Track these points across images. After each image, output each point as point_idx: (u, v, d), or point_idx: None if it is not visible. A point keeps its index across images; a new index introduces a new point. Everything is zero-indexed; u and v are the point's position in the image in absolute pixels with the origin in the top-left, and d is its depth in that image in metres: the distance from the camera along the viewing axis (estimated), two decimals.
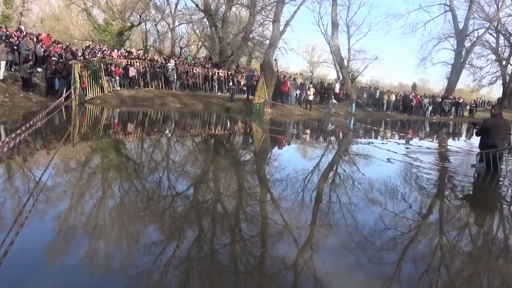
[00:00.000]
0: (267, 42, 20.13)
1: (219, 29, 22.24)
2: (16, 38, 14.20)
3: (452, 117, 25.32)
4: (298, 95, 19.67)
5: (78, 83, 12.98)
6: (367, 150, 8.51)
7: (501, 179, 5.98)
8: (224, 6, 22.32)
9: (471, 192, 5.32)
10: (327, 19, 25.65)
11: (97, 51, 17.80)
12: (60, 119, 9.81)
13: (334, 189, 4.77)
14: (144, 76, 17.47)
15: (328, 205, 3.97)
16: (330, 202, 4.11)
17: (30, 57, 13.78)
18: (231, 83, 18.62)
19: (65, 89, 12.97)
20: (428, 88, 41.27)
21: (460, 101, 26.25)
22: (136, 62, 17.48)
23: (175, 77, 18.20)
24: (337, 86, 22.77)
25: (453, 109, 25.72)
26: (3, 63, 12.38)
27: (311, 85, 20.53)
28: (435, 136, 14.58)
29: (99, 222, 3.10)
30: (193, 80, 19.04)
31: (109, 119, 11.42)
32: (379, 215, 3.71)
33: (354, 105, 21.76)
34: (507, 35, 31.26)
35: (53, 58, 13.56)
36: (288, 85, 19.06)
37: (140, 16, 25.83)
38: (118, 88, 16.05)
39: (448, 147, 10.42)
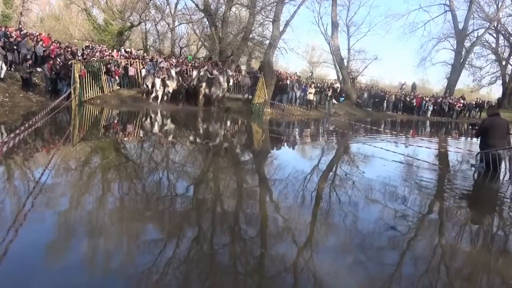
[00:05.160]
0: (267, 42, 20.13)
1: (219, 29, 22.22)
2: (15, 38, 14.19)
3: (453, 117, 25.28)
4: (299, 95, 19.59)
5: (78, 83, 12.98)
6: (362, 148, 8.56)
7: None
8: (224, 6, 22.30)
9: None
10: (327, 19, 25.67)
11: (96, 51, 17.77)
12: (60, 119, 9.81)
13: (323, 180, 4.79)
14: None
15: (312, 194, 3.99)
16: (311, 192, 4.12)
17: (29, 57, 13.78)
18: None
19: (65, 89, 12.99)
20: (428, 88, 41.20)
21: (462, 102, 26.17)
22: (136, 62, 17.46)
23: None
24: (337, 86, 22.78)
25: (455, 110, 25.61)
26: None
27: (312, 85, 20.53)
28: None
29: (99, 221, 3.11)
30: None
31: (108, 119, 11.42)
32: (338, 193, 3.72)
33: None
34: (507, 35, 31.21)
35: (58, 60, 13.58)
36: (288, 82, 19.07)
37: (140, 16, 25.80)
38: (118, 88, 16.03)
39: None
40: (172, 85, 15.28)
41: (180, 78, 15.88)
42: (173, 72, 15.33)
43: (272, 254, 2.75)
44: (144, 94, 15.35)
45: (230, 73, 17.01)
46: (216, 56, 22.12)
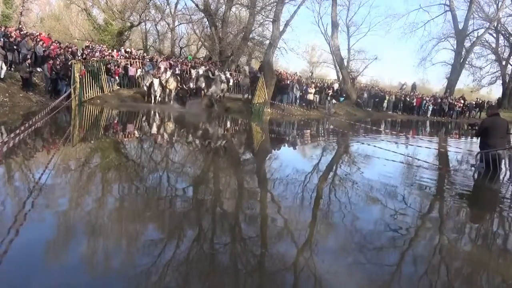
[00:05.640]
0: (267, 42, 20.13)
1: (219, 29, 22.22)
2: (14, 38, 14.19)
3: (454, 117, 25.26)
4: (299, 95, 19.59)
5: (78, 83, 12.98)
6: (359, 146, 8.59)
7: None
8: (224, 6, 22.30)
9: None
10: (327, 19, 25.65)
11: (96, 51, 17.76)
12: (60, 119, 9.82)
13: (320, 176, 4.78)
14: None
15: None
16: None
17: (29, 57, 13.77)
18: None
19: (65, 89, 12.99)
20: (428, 88, 41.13)
21: (462, 102, 26.15)
22: (136, 62, 17.46)
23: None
24: (337, 86, 22.79)
25: (455, 110, 25.57)
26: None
27: (312, 85, 20.54)
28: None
29: (99, 221, 3.11)
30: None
31: (108, 120, 11.42)
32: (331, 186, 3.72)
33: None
34: (507, 35, 31.20)
35: (58, 60, 13.57)
36: (288, 83, 19.07)
37: (140, 16, 25.79)
38: (118, 88, 16.02)
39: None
40: (170, 86, 15.18)
41: (179, 78, 15.82)
42: (168, 74, 15.11)
43: (272, 253, 2.75)
44: (146, 96, 15.24)
45: (227, 76, 16.82)
46: (216, 56, 22.13)
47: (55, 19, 30.65)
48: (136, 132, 9.16)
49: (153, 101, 14.84)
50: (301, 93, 19.61)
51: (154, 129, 9.76)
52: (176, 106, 15.11)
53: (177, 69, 16.56)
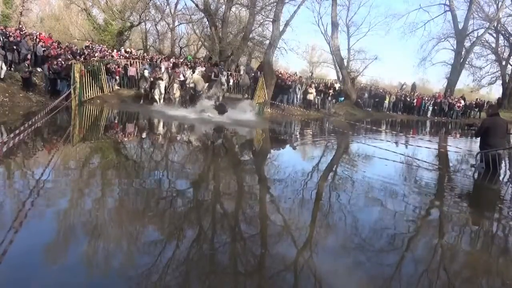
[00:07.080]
0: (267, 42, 20.13)
1: (219, 29, 22.21)
2: (13, 37, 14.17)
3: (454, 117, 25.24)
4: (299, 96, 19.59)
5: (78, 83, 12.97)
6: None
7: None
8: (224, 6, 22.30)
9: None
10: (327, 19, 25.65)
11: (96, 51, 17.75)
12: (60, 119, 9.81)
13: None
14: None
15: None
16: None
17: (29, 57, 13.77)
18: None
19: (65, 89, 12.99)
20: (428, 88, 41.10)
21: (462, 102, 26.13)
22: (136, 62, 17.45)
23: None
24: (337, 86, 22.78)
25: (455, 110, 25.55)
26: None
27: (312, 85, 20.53)
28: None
29: (99, 221, 3.11)
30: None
31: (108, 120, 11.42)
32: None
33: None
34: (507, 35, 31.17)
35: (59, 59, 13.56)
36: (290, 83, 19.07)
37: (140, 16, 25.79)
38: (118, 88, 15.99)
39: None
40: (175, 95, 15.10)
41: (181, 87, 15.74)
42: (175, 86, 14.92)
43: (272, 254, 2.75)
44: (149, 98, 15.12)
45: (224, 79, 16.63)
46: (216, 56, 22.11)
47: (55, 19, 30.61)
48: (134, 132, 9.16)
49: (158, 102, 14.68)
50: (301, 94, 19.60)
51: (152, 130, 9.75)
52: (175, 106, 15.01)
53: (181, 75, 16.25)
